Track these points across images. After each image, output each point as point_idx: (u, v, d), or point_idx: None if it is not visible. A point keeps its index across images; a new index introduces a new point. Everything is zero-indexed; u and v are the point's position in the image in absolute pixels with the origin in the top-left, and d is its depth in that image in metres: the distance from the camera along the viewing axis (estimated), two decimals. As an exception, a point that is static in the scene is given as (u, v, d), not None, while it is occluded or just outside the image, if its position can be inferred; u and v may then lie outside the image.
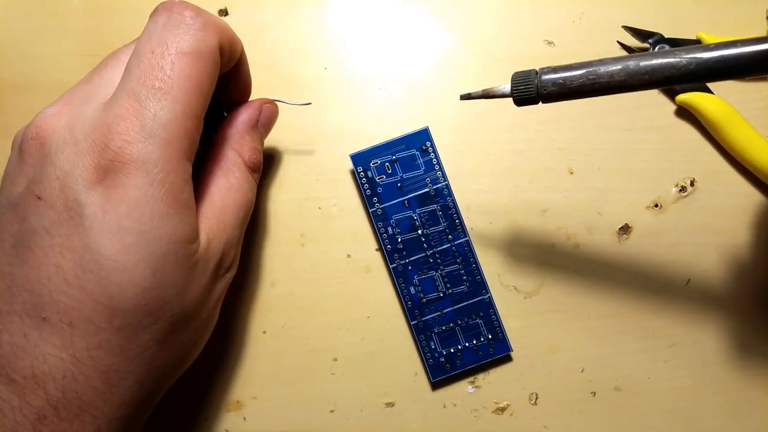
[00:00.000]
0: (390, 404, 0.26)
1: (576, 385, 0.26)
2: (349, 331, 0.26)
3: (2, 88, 0.28)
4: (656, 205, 0.27)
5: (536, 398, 0.26)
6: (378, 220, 0.26)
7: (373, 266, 0.26)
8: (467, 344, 0.25)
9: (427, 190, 0.26)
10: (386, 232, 0.26)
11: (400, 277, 0.26)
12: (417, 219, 0.26)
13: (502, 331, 0.26)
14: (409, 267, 0.26)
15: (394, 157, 0.26)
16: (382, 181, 0.26)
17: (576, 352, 0.26)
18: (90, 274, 0.17)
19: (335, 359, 0.26)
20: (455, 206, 0.26)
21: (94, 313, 0.17)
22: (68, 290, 0.17)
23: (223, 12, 0.28)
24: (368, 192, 0.26)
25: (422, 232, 0.26)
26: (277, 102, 0.25)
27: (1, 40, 0.28)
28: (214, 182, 0.21)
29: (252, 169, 0.23)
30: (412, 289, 0.25)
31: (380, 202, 0.26)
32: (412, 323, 0.25)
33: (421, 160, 0.26)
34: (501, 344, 0.26)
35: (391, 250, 0.26)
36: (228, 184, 0.21)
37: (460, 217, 0.26)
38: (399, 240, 0.26)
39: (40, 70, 0.28)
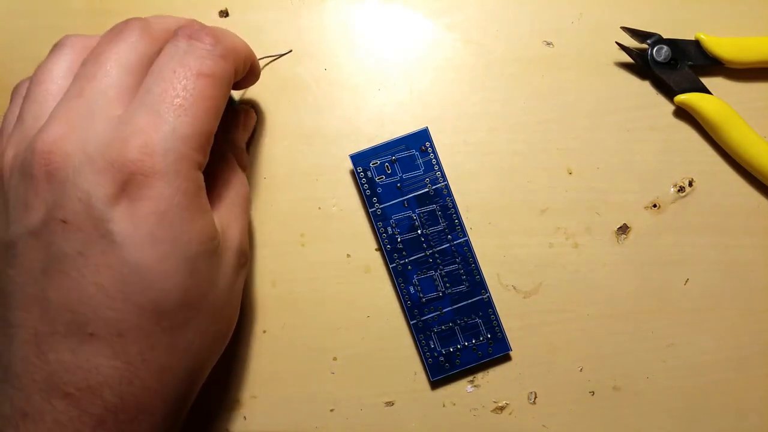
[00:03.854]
0: (389, 403, 0.26)
1: (575, 384, 0.26)
2: (348, 331, 0.26)
3: (2, 89, 0.28)
4: (655, 206, 0.27)
5: (535, 397, 0.26)
6: (378, 220, 0.26)
7: (372, 266, 0.26)
8: (466, 344, 0.26)
9: (426, 190, 0.26)
10: (386, 232, 0.26)
11: (399, 277, 0.26)
12: (416, 219, 0.26)
13: (501, 331, 0.26)
14: (409, 267, 0.26)
15: (393, 158, 0.26)
16: (381, 182, 0.26)
17: (575, 351, 0.26)
18: (133, 286, 0.18)
19: (335, 359, 0.26)
20: (455, 206, 0.26)
21: (143, 320, 0.18)
22: (113, 304, 0.18)
23: (224, 13, 0.28)
24: (368, 192, 0.26)
25: (421, 232, 0.26)
26: (266, 59, 0.27)
27: (1, 40, 0.28)
28: (218, 181, 0.22)
29: (243, 167, 0.24)
30: (411, 289, 0.26)
31: (380, 202, 0.26)
32: (411, 323, 0.26)
33: (420, 161, 0.26)
34: (500, 344, 0.26)
35: (391, 250, 0.26)
36: (230, 181, 0.23)
37: (459, 217, 0.26)
38: (398, 240, 0.26)
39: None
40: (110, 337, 0.18)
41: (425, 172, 0.26)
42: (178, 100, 0.18)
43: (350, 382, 0.26)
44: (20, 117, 0.20)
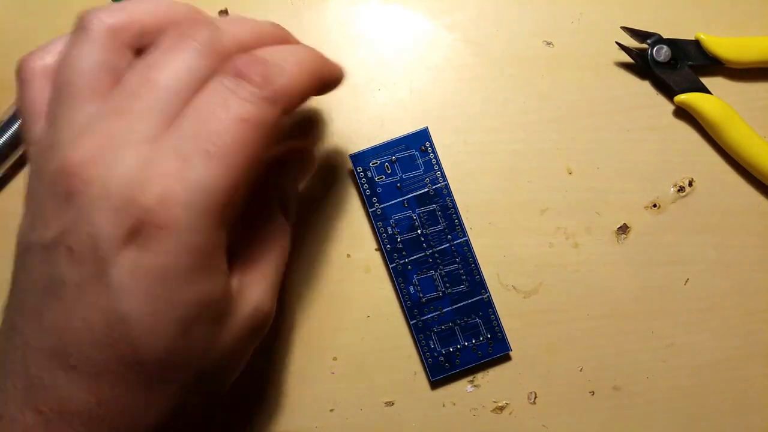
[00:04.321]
0: (389, 403, 0.26)
1: (575, 384, 0.26)
2: (348, 331, 0.26)
3: (2, 89, 0.28)
4: (655, 205, 0.27)
5: (535, 397, 0.26)
6: (377, 220, 0.26)
7: (372, 266, 0.26)
8: (466, 343, 0.26)
9: (426, 190, 0.26)
10: (386, 231, 0.26)
11: (399, 277, 0.26)
12: (416, 219, 0.26)
13: (501, 331, 0.26)
14: (409, 267, 0.26)
15: (393, 158, 0.26)
16: (381, 181, 0.26)
17: (575, 351, 0.26)
18: (118, 334, 0.17)
19: (335, 358, 0.26)
20: (454, 206, 0.26)
21: (122, 368, 0.17)
22: (96, 345, 0.17)
23: (224, 13, 0.28)
24: (368, 192, 0.26)
25: (421, 231, 0.26)
26: None
27: (1, 40, 0.28)
28: (254, 233, 0.20)
29: (289, 218, 0.22)
30: (411, 289, 0.26)
31: (380, 202, 0.26)
32: (411, 322, 0.26)
33: (420, 161, 0.26)
34: (500, 344, 0.26)
35: (391, 250, 0.26)
36: (268, 236, 0.21)
37: (459, 217, 0.26)
38: (398, 240, 0.26)
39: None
40: (88, 373, 0.17)
41: (425, 172, 0.26)
42: (210, 146, 0.17)
43: (350, 381, 0.26)
44: (53, 120, 0.19)
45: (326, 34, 0.28)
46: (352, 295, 0.26)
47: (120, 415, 0.18)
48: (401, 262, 0.26)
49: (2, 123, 0.27)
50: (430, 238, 0.26)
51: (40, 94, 0.20)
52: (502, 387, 0.26)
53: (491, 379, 0.26)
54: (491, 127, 0.27)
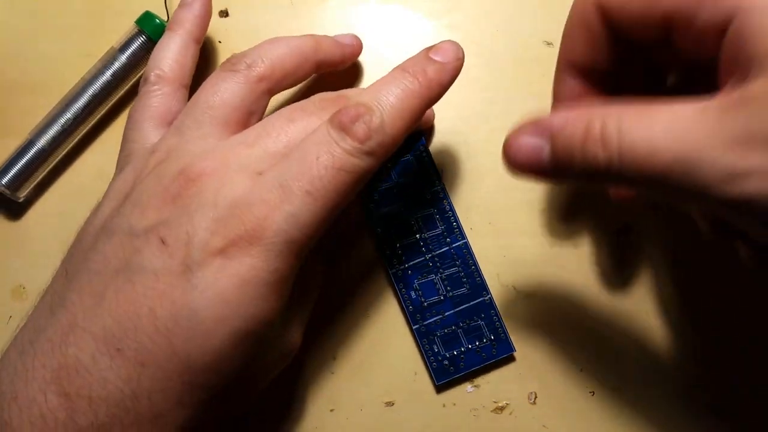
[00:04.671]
0: (389, 403, 0.26)
1: (575, 384, 0.26)
2: (348, 331, 0.26)
3: (2, 88, 0.28)
4: (656, 207, 0.27)
5: (535, 398, 0.26)
6: (376, 226, 0.26)
7: (373, 267, 0.26)
8: (470, 346, 0.26)
9: (423, 193, 0.26)
10: (384, 237, 0.26)
11: (399, 282, 0.26)
12: (414, 223, 0.26)
13: (504, 332, 0.26)
14: (409, 271, 0.26)
15: (389, 164, 0.26)
16: (378, 188, 0.26)
17: (575, 351, 0.26)
18: (180, 330, 0.18)
19: (335, 358, 0.26)
20: (452, 209, 0.26)
21: (169, 364, 0.18)
22: (153, 335, 0.18)
23: (224, 13, 0.28)
24: (365, 198, 0.26)
25: (420, 236, 0.26)
26: None
27: (2, 40, 0.28)
28: (301, 272, 0.22)
29: (324, 267, 0.25)
30: (412, 294, 0.26)
31: (377, 207, 0.26)
32: (414, 327, 0.26)
33: (415, 166, 0.26)
34: (503, 344, 0.26)
35: (390, 255, 0.26)
36: (310, 278, 0.24)
37: (457, 220, 0.26)
38: (397, 245, 0.26)
39: (40, 70, 0.28)
40: (133, 361, 0.18)
41: (421, 176, 0.26)
42: (310, 187, 0.19)
43: (350, 382, 0.26)
44: (178, 128, 0.22)
45: (326, 34, 0.28)
46: (353, 295, 0.26)
47: (148, 411, 0.18)
48: (401, 267, 0.26)
49: (25, 143, 0.27)
50: (429, 242, 0.26)
51: (161, 99, 0.23)
52: (503, 387, 0.26)
53: (491, 379, 0.26)
54: (492, 127, 0.27)
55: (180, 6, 0.25)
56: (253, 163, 0.20)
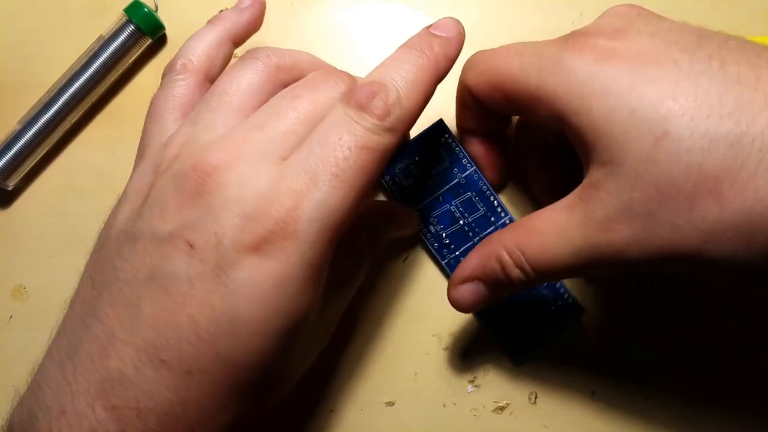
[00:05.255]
0: (390, 403, 0.26)
1: (575, 384, 0.26)
2: (349, 329, 0.26)
3: (2, 88, 0.28)
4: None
5: (535, 397, 0.26)
6: (423, 227, 0.26)
7: (374, 265, 0.26)
8: (539, 319, 0.25)
9: (457, 180, 0.26)
10: (429, 232, 0.26)
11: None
12: (455, 210, 0.26)
13: (570, 295, 0.26)
14: (461, 259, 0.25)
15: (416, 158, 0.26)
16: (410, 183, 0.26)
17: (575, 351, 0.26)
18: (223, 334, 0.17)
19: (335, 358, 0.26)
20: (489, 188, 0.26)
21: (215, 368, 0.18)
22: (196, 342, 0.17)
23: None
24: (399, 198, 0.26)
25: (464, 222, 0.26)
26: None
27: (2, 40, 0.28)
28: (340, 261, 0.21)
29: (369, 256, 0.24)
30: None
31: (414, 204, 0.26)
32: (478, 314, 0.26)
33: (444, 153, 0.26)
34: (573, 308, 0.26)
35: (439, 248, 0.26)
36: (352, 265, 0.23)
37: (496, 198, 0.26)
38: (444, 236, 0.26)
39: (40, 70, 0.28)
40: (179, 370, 0.17)
41: (451, 162, 0.26)
42: (336, 170, 0.18)
43: (350, 382, 0.26)
44: (193, 118, 0.21)
45: (326, 34, 0.28)
46: (353, 295, 0.26)
47: (198, 415, 0.18)
48: (452, 256, 0.26)
49: (14, 133, 0.27)
50: (473, 225, 0.26)
51: (184, 90, 0.22)
52: (503, 387, 0.26)
53: (492, 379, 0.26)
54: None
55: (232, 7, 0.24)
56: (269, 148, 0.19)
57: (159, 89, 0.23)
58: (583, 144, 0.19)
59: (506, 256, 0.21)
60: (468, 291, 0.22)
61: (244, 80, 0.21)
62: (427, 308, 0.26)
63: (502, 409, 0.26)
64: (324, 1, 0.28)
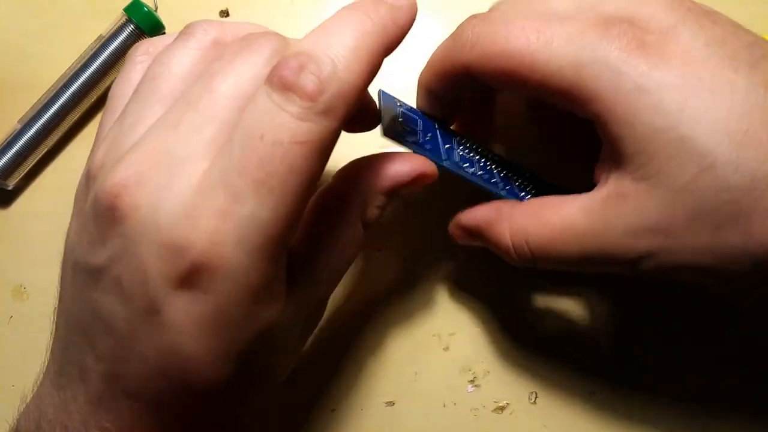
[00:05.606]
0: (390, 403, 0.26)
1: (575, 384, 0.26)
2: (350, 329, 0.26)
3: (3, 88, 0.28)
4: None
5: (536, 397, 0.26)
6: (456, 170, 0.22)
7: (375, 264, 0.26)
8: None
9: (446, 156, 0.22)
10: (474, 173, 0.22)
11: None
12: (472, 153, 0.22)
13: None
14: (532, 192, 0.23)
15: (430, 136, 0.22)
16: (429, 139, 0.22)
17: (575, 351, 0.26)
18: (174, 370, 0.16)
19: (335, 358, 0.26)
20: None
21: (183, 399, 0.17)
22: (151, 376, 0.16)
23: (224, 13, 0.28)
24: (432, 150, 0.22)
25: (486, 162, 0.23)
26: None
27: (2, 40, 0.28)
28: (323, 239, 0.19)
29: (366, 226, 0.20)
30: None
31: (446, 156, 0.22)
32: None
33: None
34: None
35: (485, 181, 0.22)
36: (338, 244, 0.20)
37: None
38: (495, 171, 0.23)
39: (40, 69, 0.28)
40: (150, 402, 0.17)
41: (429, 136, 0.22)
42: (261, 175, 0.15)
43: (351, 382, 0.26)
44: (123, 110, 0.18)
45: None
46: (353, 293, 0.26)
47: None
48: (516, 184, 0.23)
49: (15, 132, 0.27)
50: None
51: (128, 85, 0.19)
52: (503, 387, 0.26)
53: (492, 378, 0.26)
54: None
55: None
56: (185, 152, 0.16)
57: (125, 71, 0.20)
58: (618, 151, 0.18)
59: (508, 239, 0.20)
60: (466, 239, 0.22)
61: (174, 61, 0.18)
62: (427, 308, 0.26)
63: (502, 409, 0.26)
64: (324, 1, 0.28)
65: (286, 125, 0.15)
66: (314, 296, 0.20)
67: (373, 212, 0.20)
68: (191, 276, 0.15)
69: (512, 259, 0.20)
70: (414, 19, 0.18)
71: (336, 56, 0.16)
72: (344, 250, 0.20)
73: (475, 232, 0.22)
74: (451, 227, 0.22)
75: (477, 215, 0.21)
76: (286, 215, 0.16)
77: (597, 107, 0.17)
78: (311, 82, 0.15)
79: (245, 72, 0.16)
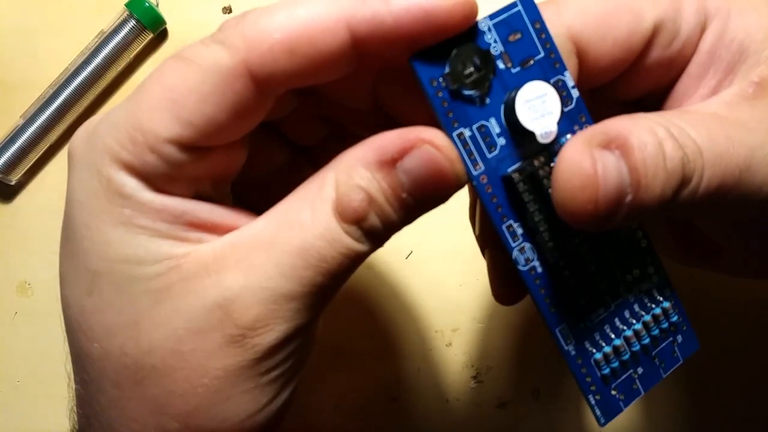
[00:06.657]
0: (394, 399, 0.26)
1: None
2: (352, 327, 0.26)
3: (5, 84, 0.28)
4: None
5: (538, 393, 0.26)
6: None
7: (374, 263, 0.26)
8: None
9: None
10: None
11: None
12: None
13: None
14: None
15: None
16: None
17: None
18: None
19: (339, 354, 0.26)
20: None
21: None
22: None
23: (227, 9, 0.28)
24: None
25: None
26: None
27: (5, 36, 0.28)
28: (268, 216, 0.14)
29: (345, 218, 0.14)
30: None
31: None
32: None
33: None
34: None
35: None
36: (283, 222, 0.14)
37: None
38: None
39: (42, 65, 0.28)
40: None
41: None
42: None
43: (354, 377, 0.26)
44: None
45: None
46: (355, 291, 0.26)
47: None
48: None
49: (17, 128, 0.27)
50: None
51: None
52: (506, 383, 0.26)
53: (495, 375, 0.26)
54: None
55: None
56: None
57: None
58: (735, 45, 0.15)
59: (662, 131, 0.13)
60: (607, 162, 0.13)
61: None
62: (430, 305, 0.26)
63: (504, 404, 0.26)
64: None
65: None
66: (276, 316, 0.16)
67: (355, 198, 0.14)
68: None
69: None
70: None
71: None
72: (304, 239, 0.14)
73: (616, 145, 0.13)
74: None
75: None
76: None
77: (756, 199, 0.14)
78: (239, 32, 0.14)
79: None
